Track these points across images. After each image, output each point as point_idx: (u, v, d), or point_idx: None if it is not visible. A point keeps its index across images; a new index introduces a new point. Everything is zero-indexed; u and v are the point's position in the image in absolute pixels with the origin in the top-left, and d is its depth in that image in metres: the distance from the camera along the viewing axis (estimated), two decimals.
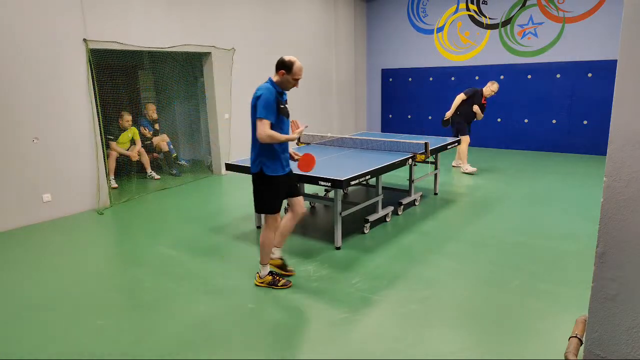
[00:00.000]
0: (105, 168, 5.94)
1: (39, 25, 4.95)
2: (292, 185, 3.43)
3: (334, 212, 4.09)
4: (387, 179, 6.44)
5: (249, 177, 4.91)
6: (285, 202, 3.57)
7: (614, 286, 1.50)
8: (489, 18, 9.14)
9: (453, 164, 7.84)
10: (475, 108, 6.99)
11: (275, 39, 8.21)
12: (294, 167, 3.60)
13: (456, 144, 6.01)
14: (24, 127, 4.95)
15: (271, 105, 3.09)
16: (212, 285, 3.51)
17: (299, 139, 5.36)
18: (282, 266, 3.56)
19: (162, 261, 3.99)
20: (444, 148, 5.61)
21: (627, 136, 1.39)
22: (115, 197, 6.01)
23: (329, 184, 3.80)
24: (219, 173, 7.58)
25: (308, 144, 5.84)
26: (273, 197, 3.29)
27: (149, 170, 7.20)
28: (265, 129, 3.04)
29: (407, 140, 5.32)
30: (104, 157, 5.84)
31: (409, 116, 10.59)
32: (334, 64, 9.85)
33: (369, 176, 4.12)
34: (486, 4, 9.11)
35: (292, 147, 3.71)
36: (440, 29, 9.78)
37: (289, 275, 3.55)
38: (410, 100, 10.46)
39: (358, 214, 4.74)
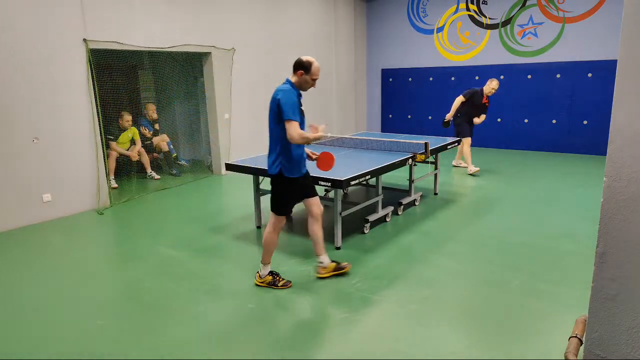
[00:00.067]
0: (105, 168, 5.94)
1: (39, 25, 4.95)
2: (308, 185, 3.43)
3: (334, 212, 4.09)
4: (387, 179, 6.44)
5: (249, 177, 4.95)
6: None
7: (614, 286, 1.50)
8: (489, 18, 9.14)
9: (453, 163, 7.84)
10: (476, 120, 7.04)
11: (275, 39, 8.21)
12: (312, 167, 3.59)
13: (456, 143, 6.01)
14: (24, 127, 4.95)
15: (296, 105, 3.09)
16: (212, 285, 3.51)
17: None
18: (338, 268, 3.57)
19: (162, 261, 3.99)
20: (444, 148, 5.61)
21: (627, 136, 1.39)
22: (115, 197, 6.02)
23: (329, 184, 3.80)
24: (219, 173, 7.58)
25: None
26: (290, 198, 3.31)
27: (149, 170, 7.20)
28: (297, 129, 3.03)
29: (407, 140, 5.32)
30: (104, 157, 5.84)
31: (409, 116, 10.59)
32: (334, 64, 9.85)
33: (369, 176, 4.12)
34: (486, 4, 9.11)
35: None
36: (440, 29, 9.78)
37: (345, 272, 3.58)
38: (410, 100, 10.46)
39: (358, 214, 4.74)
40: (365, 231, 4.54)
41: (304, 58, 3.15)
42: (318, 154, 3.51)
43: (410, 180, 5.40)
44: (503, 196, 5.82)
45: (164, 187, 6.67)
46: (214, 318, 3.02)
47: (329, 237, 4.39)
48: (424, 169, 6.25)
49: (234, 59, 7.44)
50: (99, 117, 5.64)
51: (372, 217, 4.62)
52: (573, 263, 3.75)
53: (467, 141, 7.08)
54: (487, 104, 7.09)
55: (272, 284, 3.40)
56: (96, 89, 5.60)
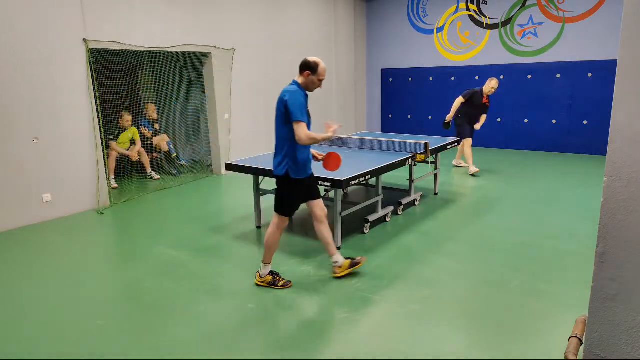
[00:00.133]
0: (105, 168, 5.94)
1: (39, 25, 4.95)
2: (313, 186, 3.42)
3: (334, 212, 4.09)
4: (387, 179, 6.44)
5: (249, 177, 4.95)
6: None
7: (614, 286, 1.50)
8: (489, 18, 9.14)
9: (454, 163, 7.84)
10: (476, 127, 7.07)
11: (275, 39, 8.21)
12: (319, 167, 3.58)
13: (456, 143, 6.01)
14: (24, 127, 4.95)
15: (304, 106, 3.09)
16: (212, 285, 3.51)
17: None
18: (353, 264, 3.56)
19: (162, 261, 3.99)
20: (444, 148, 5.61)
21: (627, 136, 1.39)
22: (115, 197, 6.02)
23: (329, 184, 3.80)
24: (219, 173, 7.58)
25: None
26: (296, 199, 3.31)
27: (149, 170, 7.20)
28: (305, 131, 3.03)
29: (407, 140, 5.32)
30: (104, 157, 5.84)
31: (409, 116, 10.59)
32: (334, 64, 9.85)
33: (369, 176, 4.12)
34: (486, 4, 9.11)
35: None
36: (440, 29, 9.78)
37: (358, 265, 3.58)
38: (410, 100, 10.46)
39: (358, 214, 4.74)
40: (365, 231, 4.54)
41: (311, 59, 3.14)
42: (324, 154, 3.51)
43: (410, 180, 5.40)
44: (503, 196, 5.82)
45: (164, 187, 6.67)
46: (214, 318, 3.02)
47: None
48: (424, 169, 6.25)
49: (234, 59, 7.44)
50: (99, 117, 5.64)
51: (372, 217, 4.62)
52: (573, 263, 3.75)
53: (467, 142, 7.07)
54: (487, 104, 7.06)
55: (272, 284, 3.40)
56: (96, 89, 5.60)
